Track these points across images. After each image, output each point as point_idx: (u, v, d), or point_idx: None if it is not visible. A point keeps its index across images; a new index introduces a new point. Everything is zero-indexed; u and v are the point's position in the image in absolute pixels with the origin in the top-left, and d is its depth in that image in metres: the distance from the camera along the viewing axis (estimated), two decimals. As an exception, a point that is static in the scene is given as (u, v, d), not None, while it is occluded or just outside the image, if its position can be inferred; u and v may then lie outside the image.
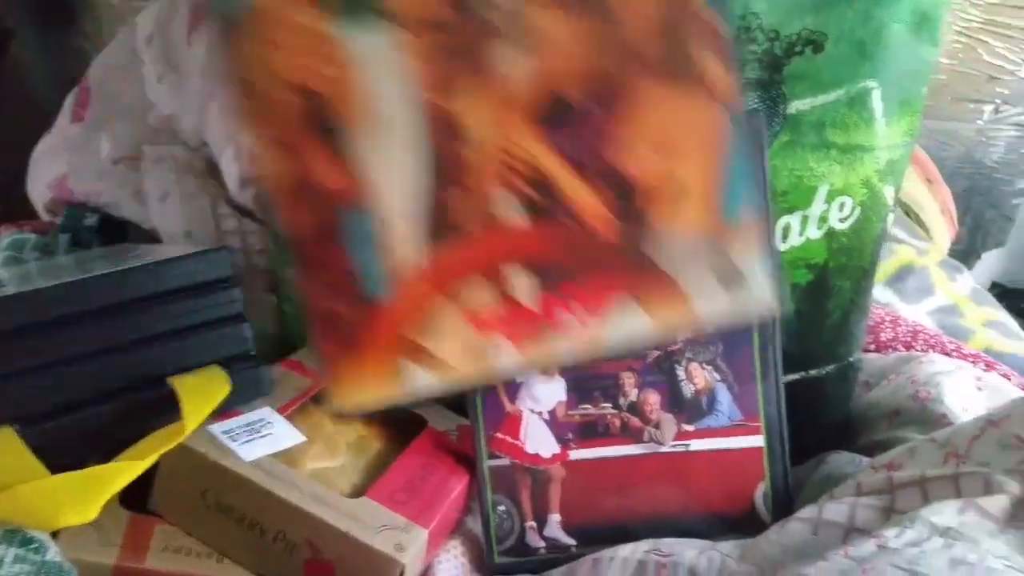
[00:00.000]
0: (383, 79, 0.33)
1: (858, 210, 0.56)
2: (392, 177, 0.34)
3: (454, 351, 0.38)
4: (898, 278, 0.90)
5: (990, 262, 1.39)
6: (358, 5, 0.32)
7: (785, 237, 0.56)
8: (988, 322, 0.86)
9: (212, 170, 0.81)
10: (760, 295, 0.40)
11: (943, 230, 1.11)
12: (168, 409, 0.49)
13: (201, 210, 0.74)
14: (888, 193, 0.57)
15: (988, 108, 1.26)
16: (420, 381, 0.38)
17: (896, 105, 0.55)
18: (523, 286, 0.37)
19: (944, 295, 0.90)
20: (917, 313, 0.86)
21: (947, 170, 1.18)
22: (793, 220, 0.56)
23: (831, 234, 0.56)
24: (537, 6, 0.33)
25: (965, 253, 1.30)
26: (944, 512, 0.46)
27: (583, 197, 0.36)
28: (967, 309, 0.88)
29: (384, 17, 0.32)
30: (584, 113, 0.35)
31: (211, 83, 0.82)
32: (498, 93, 0.34)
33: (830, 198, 0.55)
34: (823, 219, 0.56)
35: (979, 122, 1.27)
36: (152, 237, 0.77)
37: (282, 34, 0.32)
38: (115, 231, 0.80)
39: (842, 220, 0.56)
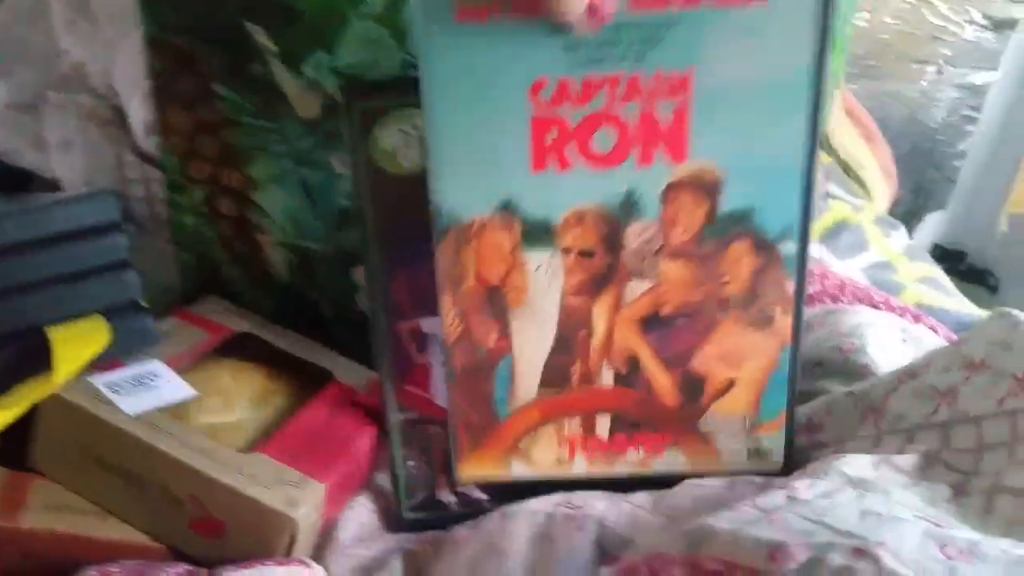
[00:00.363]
0: (542, 283, 0.48)
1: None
2: (531, 344, 0.50)
3: (546, 457, 0.52)
4: (832, 234, 0.89)
5: (932, 224, 1.39)
6: (540, 240, 0.47)
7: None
8: (921, 278, 0.85)
9: (120, 120, 0.77)
10: (774, 462, 0.51)
11: (883, 189, 1.10)
12: (47, 360, 0.46)
13: (104, 159, 0.70)
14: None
15: (931, 69, 1.25)
16: (517, 470, 0.52)
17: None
18: (604, 426, 0.51)
19: (878, 251, 0.89)
20: (850, 269, 0.85)
21: (890, 131, 1.17)
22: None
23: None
24: (664, 256, 0.47)
25: (907, 215, 1.30)
26: (857, 464, 0.45)
27: (660, 377, 0.50)
28: (900, 265, 0.87)
29: (555, 245, 0.47)
30: (676, 326, 0.49)
31: (119, 28, 0.78)
32: (618, 303, 0.49)
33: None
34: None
35: (922, 83, 1.26)
36: (55, 186, 0.73)
37: (484, 247, 0.47)
38: (16, 180, 0.76)
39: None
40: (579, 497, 0.51)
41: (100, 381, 0.48)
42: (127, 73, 0.75)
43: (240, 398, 0.54)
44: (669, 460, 0.51)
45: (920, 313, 0.69)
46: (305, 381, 0.57)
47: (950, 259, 1.34)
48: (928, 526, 0.38)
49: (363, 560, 0.51)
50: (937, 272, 0.88)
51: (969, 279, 1.32)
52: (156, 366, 0.51)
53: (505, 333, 0.49)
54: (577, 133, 0.45)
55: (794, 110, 0.44)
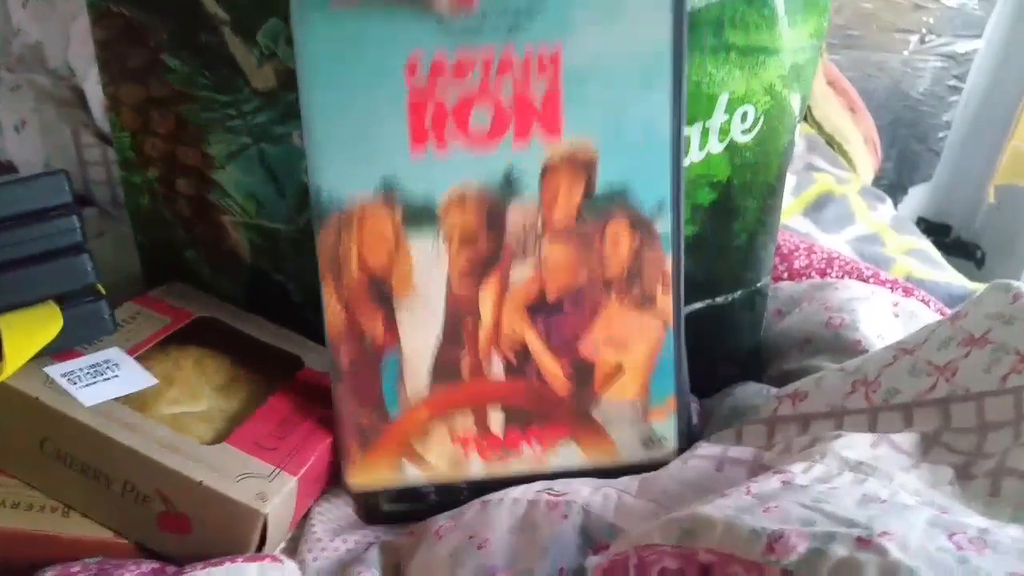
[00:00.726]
0: (427, 270, 0.48)
1: (762, 120, 0.52)
2: (418, 335, 0.49)
3: (440, 458, 0.51)
4: (817, 207, 0.87)
5: (916, 196, 1.37)
6: (422, 223, 0.47)
7: (685, 153, 0.52)
8: (909, 251, 0.84)
9: (79, 100, 0.74)
10: (669, 450, 0.51)
11: (867, 161, 1.08)
12: (-3, 350, 0.43)
13: (62, 139, 0.67)
14: (794, 101, 0.52)
15: (914, 38, 1.23)
16: (411, 474, 0.51)
17: (800, 3, 0.50)
18: (497, 421, 0.50)
19: (865, 224, 0.87)
20: (836, 242, 0.83)
21: (873, 102, 1.15)
22: (693, 132, 0.51)
23: (734, 148, 0.52)
24: (545, 239, 0.48)
25: (892, 187, 1.28)
26: (856, 446, 0.43)
27: (549, 365, 0.50)
28: (888, 238, 0.86)
29: (438, 229, 0.47)
30: (561, 311, 0.49)
31: (72, 5, 0.75)
32: (503, 288, 0.49)
33: (731, 107, 0.51)
34: (724, 131, 0.52)
35: (905, 53, 1.24)
36: (8, 168, 0.70)
37: (366, 233, 0.47)
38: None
39: (745, 132, 0.52)
40: (561, 484, 0.49)
41: (56, 371, 0.45)
42: (83, 51, 0.72)
43: (205, 386, 0.51)
44: (565, 455, 0.51)
45: (911, 286, 0.68)
46: (273, 368, 0.54)
47: (935, 232, 1.33)
48: (934, 513, 0.36)
49: (340, 553, 0.49)
50: (925, 244, 0.87)
51: (955, 253, 1.30)
52: (115, 354, 0.48)
53: (391, 324, 0.48)
54: (455, 113, 0.46)
55: (657, 85, 0.46)
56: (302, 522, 0.50)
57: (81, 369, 0.46)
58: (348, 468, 0.50)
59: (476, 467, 0.51)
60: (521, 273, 0.48)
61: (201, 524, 0.44)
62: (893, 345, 0.50)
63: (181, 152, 0.53)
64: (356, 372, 0.49)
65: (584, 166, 0.47)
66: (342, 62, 0.45)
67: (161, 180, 0.54)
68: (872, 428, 0.47)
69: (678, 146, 0.47)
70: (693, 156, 0.52)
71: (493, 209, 0.47)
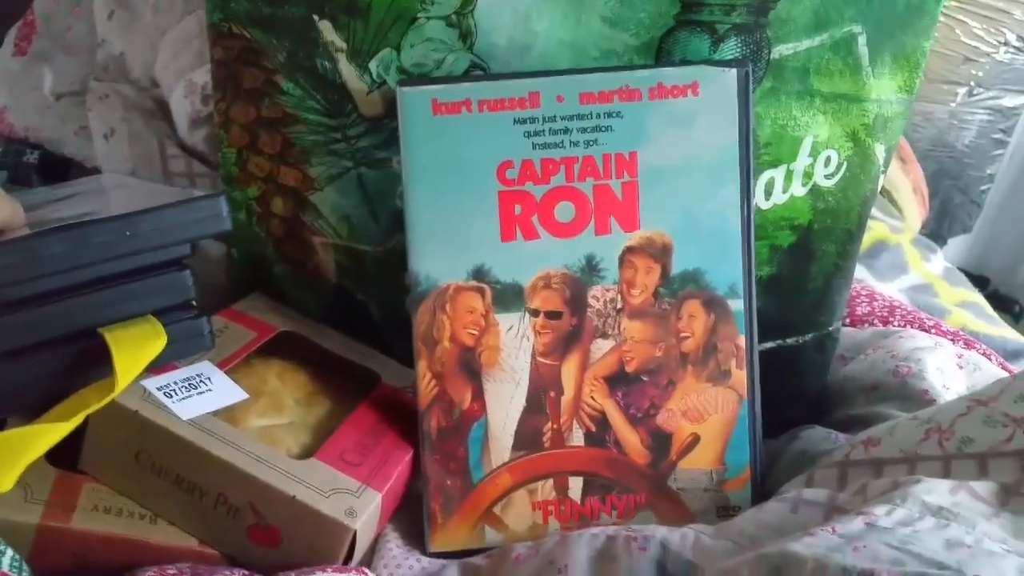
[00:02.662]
0: (513, 345, 0.52)
1: (845, 166, 0.53)
2: (504, 405, 0.52)
3: (519, 523, 0.53)
4: (872, 254, 0.88)
5: (955, 248, 1.37)
6: (510, 303, 0.51)
7: (769, 194, 0.53)
8: (962, 302, 0.84)
9: (162, 111, 0.76)
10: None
11: (915, 210, 1.09)
12: (97, 363, 0.44)
13: (148, 149, 0.69)
14: (879, 151, 0.54)
15: (962, 90, 1.23)
16: (490, 538, 0.52)
17: (888, 56, 0.52)
18: (576, 488, 0.53)
19: (918, 274, 0.88)
20: (890, 291, 0.84)
21: (918, 152, 1.16)
22: (777, 175, 0.53)
23: (817, 192, 0.53)
24: (624, 317, 0.52)
25: (931, 238, 1.28)
26: (936, 491, 0.43)
27: (628, 435, 0.52)
28: (941, 289, 0.86)
29: (525, 309, 0.51)
30: (641, 384, 0.52)
31: (163, 19, 0.77)
32: (585, 362, 0.52)
33: (815, 151, 0.53)
34: (808, 174, 0.53)
35: (952, 104, 1.24)
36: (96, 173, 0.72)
37: (458, 310, 0.51)
38: (56, 170, 0.75)
39: (828, 176, 0.53)
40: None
41: (152, 384, 0.47)
42: (171, 65, 0.74)
43: (289, 399, 0.52)
44: (642, 522, 0.52)
45: (971, 339, 0.68)
46: (352, 383, 0.56)
47: (974, 285, 1.33)
48: (1021, 562, 0.36)
49: (415, 571, 0.50)
50: (977, 297, 0.87)
51: (993, 306, 1.31)
52: (207, 368, 0.49)
53: (479, 395, 0.52)
54: (540, 207, 0.50)
55: (727, 183, 0.51)
56: (376, 538, 0.51)
57: (176, 383, 0.47)
58: (432, 533, 0.52)
59: (554, 533, 0.52)
60: (601, 348, 0.52)
61: (290, 538, 0.45)
62: (965, 396, 0.50)
63: (283, 172, 0.54)
64: (444, 439, 0.52)
65: (660, 253, 0.51)
66: (441, 161, 0.50)
67: (259, 199, 0.56)
68: (946, 475, 0.47)
69: (748, 233, 0.51)
70: (776, 198, 0.53)
71: (575, 290, 0.51)
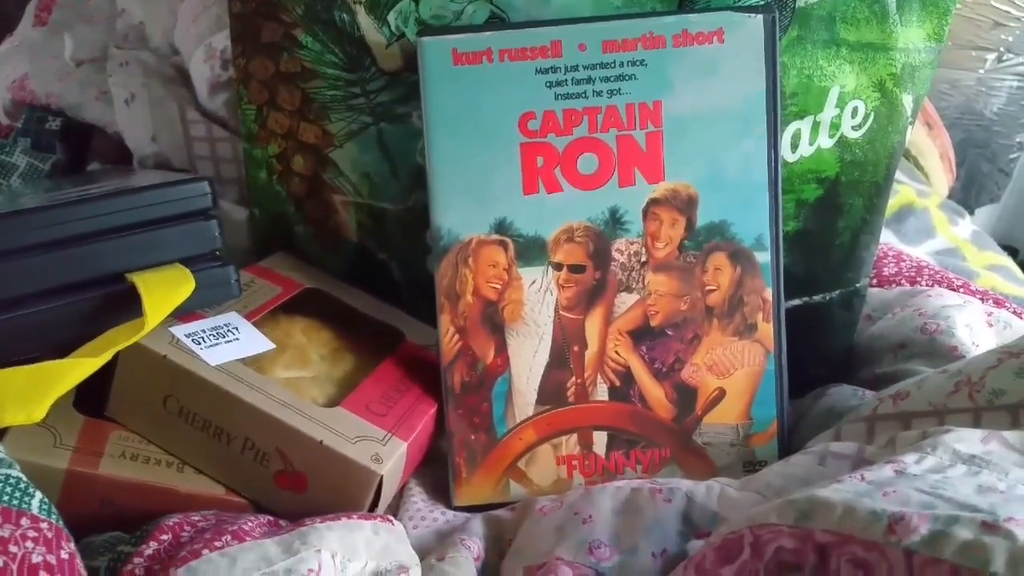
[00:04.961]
0: (537, 299, 0.51)
1: (872, 116, 0.52)
2: (527, 360, 0.51)
3: (544, 478, 0.52)
4: (898, 218, 0.87)
5: (983, 217, 1.36)
6: (533, 257, 0.50)
7: (795, 146, 0.53)
8: (991, 266, 0.83)
9: (182, 78, 0.76)
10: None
11: (942, 176, 1.08)
12: (127, 306, 0.45)
13: (168, 114, 0.69)
14: (906, 102, 0.53)
15: (991, 56, 1.21)
16: (515, 492, 0.52)
17: (916, 3, 0.51)
18: (601, 443, 0.52)
19: (945, 238, 0.87)
20: (918, 254, 0.82)
21: (945, 120, 1.14)
22: (804, 126, 0.52)
23: (844, 143, 0.53)
24: (648, 270, 0.51)
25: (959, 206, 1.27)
26: (967, 439, 0.43)
27: (652, 389, 0.52)
28: (969, 252, 0.85)
29: (549, 263, 0.51)
30: (665, 337, 0.52)
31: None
32: (609, 316, 0.51)
33: (842, 102, 0.52)
34: (835, 125, 0.52)
35: (981, 71, 1.22)
36: (117, 142, 0.72)
37: (481, 264, 0.51)
38: (78, 136, 0.75)
39: (855, 127, 0.53)
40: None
41: (181, 331, 0.47)
42: (191, 30, 0.74)
43: (314, 354, 0.52)
44: (667, 476, 0.51)
45: (1001, 298, 0.67)
46: (376, 339, 0.56)
47: (1002, 254, 1.31)
48: (1056, 506, 0.36)
49: (439, 524, 0.50)
50: (1007, 261, 0.86)
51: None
52: (234, 318, 0.50)
53: (502, 349, 0.51)
54: (563, 158, 0.50)
55: (753, 133, 0.50)
56: (400, 491, 0.51)
57: (204, 331, 0.48)
58: (456, 487, 0.52)
59: (578, 486, 0.52)
60: (625, 302, 0.51)
61: (317, 483, 0.45)
62: (996, 349, 0.50)
63: (303, 129, 0.54)
64: (468, 394, 0.52)
65: (685, 205, 0.50)
66: (462, 113, 0.49)
67: (279, 156, 0.56)
68: (976, 426, 0.47)
69: (776, 184, 0.50)
70: (803, 150, 0.53)
71: (599, 244, 0.51)
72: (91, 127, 0.75)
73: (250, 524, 0.42)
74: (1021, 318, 0.65)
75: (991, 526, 0.34)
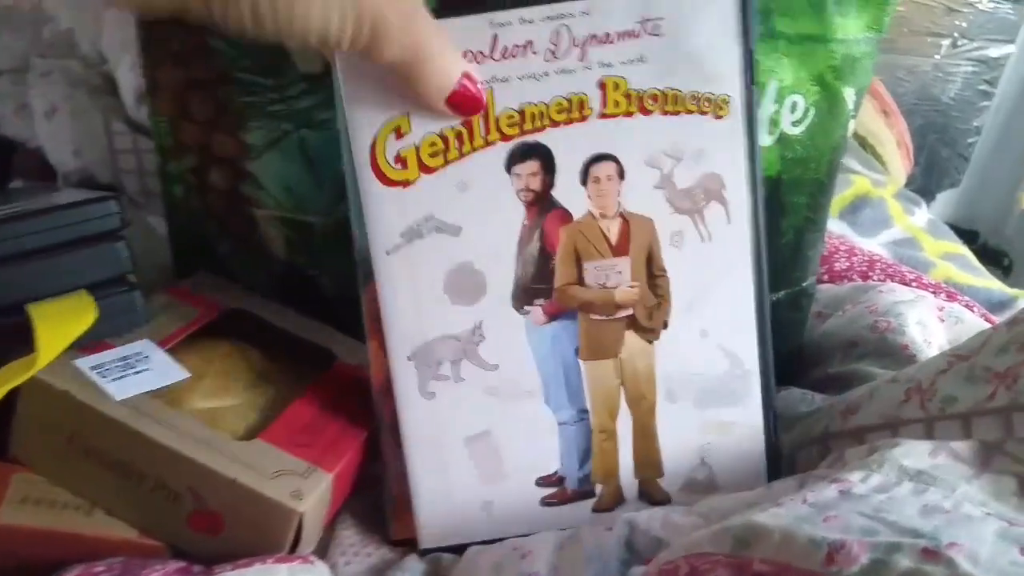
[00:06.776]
0: None
1: (812, 111, 0.50)
2: None
3: None
4: (853, 209, 0.86)
5: (944, 202, 1.35)
6: None
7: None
8: (946, 254, 0.82)
9: (110, 87, 0.73)
10: None
11: (899, 163, 1.07)
12: (27, 340, 0.42)
13: (92, 127, 0.66)
14: (848, 95, 0.51)
15: (946, 42, 1.21)
16: None
17: (854, -7, 0.49)
18: None
19: (901, 228, 0.86)
20: (872, 246, 0.81)
21: (903, 107, 1.13)
22: (742, 125, 0.50)
23: (784, 141, 0.51)
24: None
25: (919, 192, 1.25)
26: (914, 454, 0.41)
27: None
28: (925, 242, 0.84)
29: None
30: None
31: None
32: None
33: (780, 97, 0.50)
34: (774, 122, 0.50)
35: (936, 57, 1.22)
36: (39, 156, 0.69)
37: None
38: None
39: (795, 123, 0.50)
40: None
41: (86, 364, 0.44)
42: (117, 37, 0.71)
43: (236, 380, 0.50)
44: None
45: (953, 291, 0.66)
46: (305, 362, 0.53)
47: (963, 239, 1.30)
48: (1002, 525, 0.34)
49: (372, 560, 0.47)
50: (962, 249, 0.85)
51: (982, 260, 1.28)
52: (145, 346, 0.47)
53: None
54: None
55: None
56: (332, 524, 0.49)
57: (111, 362, 0.45)
58: (394, 520, 0.49)
59: None
60: None
61: (234, 523, 0.42)
62: (946, 352, 0.48)
63: (217, 141, 0.51)
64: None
65: None
66: None
67: (195, 170, 0.53)
68: (929, 438, 0.45)
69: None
70: (742, 151, 0.50)
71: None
72: (12, 141, 0.72)
73: (157, 573, 0.39)
74: (973, 311, 0.63)
75: (932, 553, 0.32)
